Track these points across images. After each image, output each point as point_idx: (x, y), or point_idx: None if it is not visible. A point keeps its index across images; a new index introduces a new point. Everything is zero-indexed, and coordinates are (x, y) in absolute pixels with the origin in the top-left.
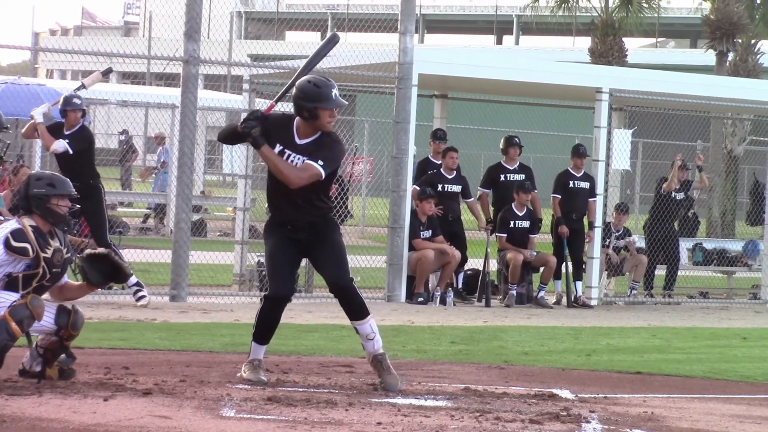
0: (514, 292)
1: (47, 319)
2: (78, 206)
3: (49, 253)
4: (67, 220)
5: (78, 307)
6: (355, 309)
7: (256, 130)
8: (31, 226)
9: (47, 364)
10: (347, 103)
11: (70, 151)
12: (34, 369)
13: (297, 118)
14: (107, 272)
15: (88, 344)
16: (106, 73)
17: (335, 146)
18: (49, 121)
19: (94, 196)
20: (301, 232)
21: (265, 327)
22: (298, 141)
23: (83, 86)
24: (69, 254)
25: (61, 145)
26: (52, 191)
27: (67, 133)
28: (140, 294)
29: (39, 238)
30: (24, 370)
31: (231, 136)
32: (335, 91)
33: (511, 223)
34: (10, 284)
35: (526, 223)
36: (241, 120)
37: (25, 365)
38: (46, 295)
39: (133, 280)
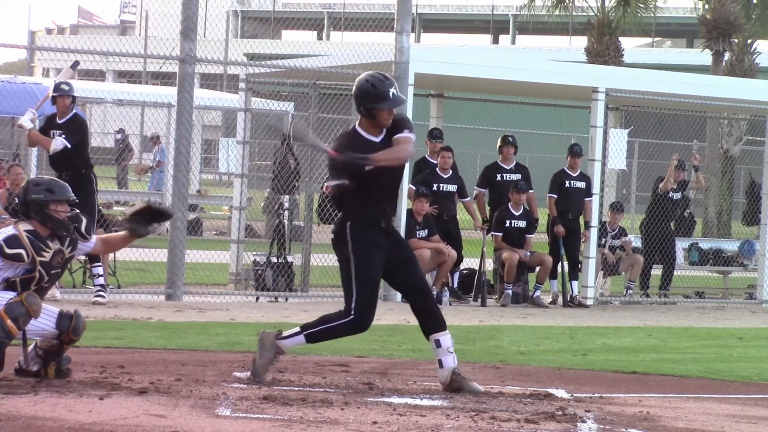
0: (510, 292)
1: (48, 324)
2: (77, 211)
3: (46, 256)
4: (66, 225)
5: (80, 312)
6: (436, 323)
7: (359, 161)
8: (28, 230)
9: (45, 364)
10: (405, 99)
11: (69, 146)
12: (31, 368)
13: (357, 124)
14: (149, 220)
15: (83, 343)
16: (74, 66)
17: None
18: (41, 122)
19: (86, 187)
20: (389, 227)
21: (328, 339)
22: (374, 140)
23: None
24: (72, 253)
25: (59, 143)
26: (50, 197)
27: (60, 122)
28: (101, 293)
29: (36, 242)
30: (20, 368)
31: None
32: (393, 90)
33: (507, 222)
34: (9, 287)
35: (522, 223)
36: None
37: (22, 364)
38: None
39: (100, 280)
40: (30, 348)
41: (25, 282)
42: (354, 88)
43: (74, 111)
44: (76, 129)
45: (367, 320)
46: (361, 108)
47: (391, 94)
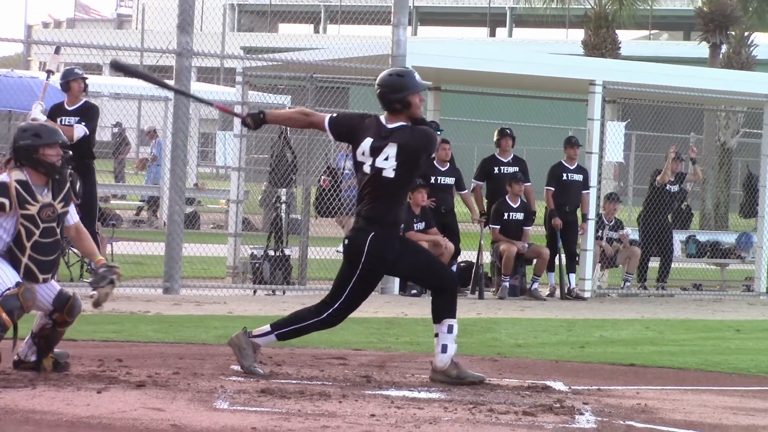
0: (507, 284)
1: (48, 296)
2: (70, 152)
3: (31, 210)
4: (60, 169)
5: (78, 295)
6: (451, 306)
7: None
8: (19, 180)
9: (42, 354)
10: (430, 83)
11: (88, 133)
12: (29, 359)
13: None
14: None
15: (81, 336)
16: (57, 51)
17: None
18: (45, 113)
19: (89, 178)
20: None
21: (298, 337)
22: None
23: (52, 72)
24: (65, 208)
25: (80, 131)
26: (37, 141)
27: (71, 108)
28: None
29: (23, 195)
30: (19, 360)
31: None
32: (417, 75)
33: (506, 214)
34: (16, 243)
35: (520, 215)
36: None
37: (20, 355)
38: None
39: None
40: (27, 338)
41: (17, 240)
42: (379, 88)
43: (85, 99)
44: (93, 115)
45: (339, 323)
46: (395, 104)
47: (417, 78)
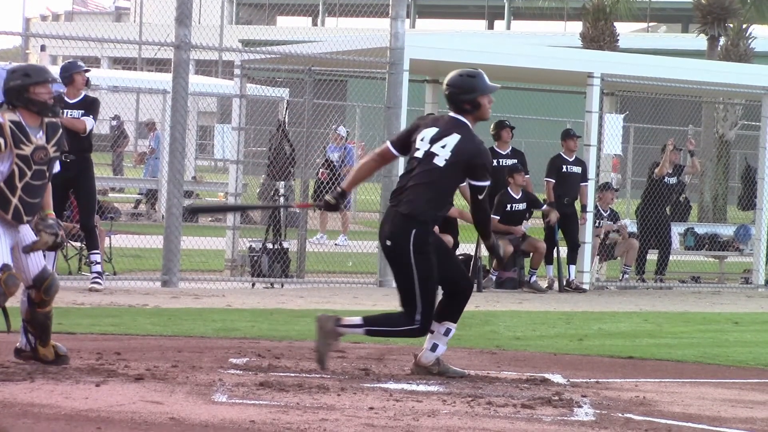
0: (494, 277)
1: (34, 267)
2: (63, 92)
3: (26, 150)
4: (52, 107)
5: (56, 276)
6: (456, 311)
7: None
8: (13, 121)
9: (41, 343)
10: (499, 86)
11: (94, 124)
12: (25, 348)
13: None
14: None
15: (79, 330)
16: (43, 49)
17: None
18: None
19: (88, 170)
20: None
21: (385, 337)
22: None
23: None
24: (57, 152)
25: (90, 124)
26: (27, 81)
27: (73, 101)
28: (97, 280)
29: (18, 135)
30: (19, 349)
31: None
32: (486, 76)
33: (508, 206)
34: (7, 183)
35: (522, 206)
36: None
37: (20, 345)
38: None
39: (97, 267)
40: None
41: (9, 180)
42: (449, 88)
43: (85, 93)
44: (97, 108)
45: (429, 327)
46: (465, 105)
47: (487, 80)
